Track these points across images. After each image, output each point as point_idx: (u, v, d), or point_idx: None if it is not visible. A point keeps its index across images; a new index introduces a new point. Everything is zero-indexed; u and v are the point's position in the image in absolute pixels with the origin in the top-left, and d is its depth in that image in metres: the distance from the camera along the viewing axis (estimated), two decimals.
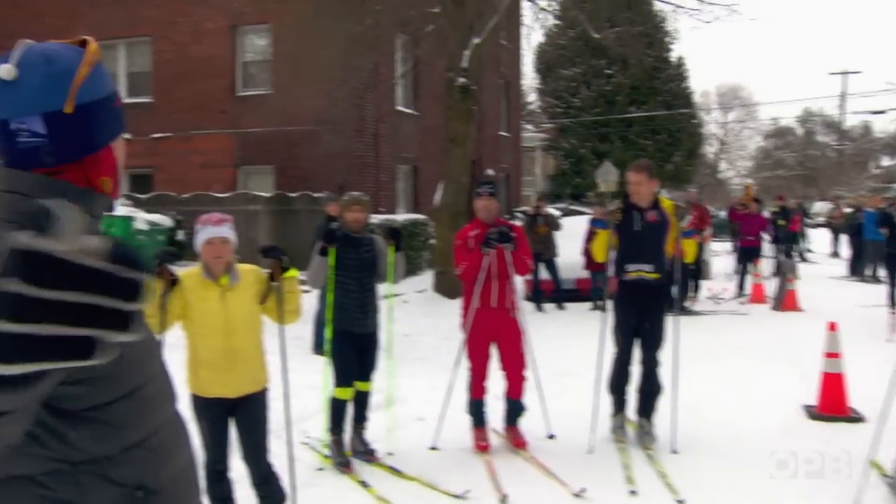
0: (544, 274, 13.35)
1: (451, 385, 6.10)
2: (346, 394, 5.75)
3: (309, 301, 7.17)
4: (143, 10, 19.03)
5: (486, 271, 5.78)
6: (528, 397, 6.10)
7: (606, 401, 6.18)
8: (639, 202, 5.96)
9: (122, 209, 15.29)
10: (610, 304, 6.24)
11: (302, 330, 8.98)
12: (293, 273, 4.31)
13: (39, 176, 1.31)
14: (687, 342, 6.73)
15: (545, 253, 13.06)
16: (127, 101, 19.24)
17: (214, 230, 4.09)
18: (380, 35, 15.27)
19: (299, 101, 15.41)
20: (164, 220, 15.44)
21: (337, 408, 5.76)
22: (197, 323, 4.14)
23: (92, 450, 1.29)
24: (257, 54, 18.93)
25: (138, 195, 17.18)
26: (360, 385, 5.84)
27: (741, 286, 14.68)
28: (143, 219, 15.02)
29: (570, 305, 13.50)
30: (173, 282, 4.12)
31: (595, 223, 11.80)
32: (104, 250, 0.79)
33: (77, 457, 1.28)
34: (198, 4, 18.57)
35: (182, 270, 4.26)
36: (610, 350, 6.17)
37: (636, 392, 6.14)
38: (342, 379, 5.72)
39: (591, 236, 12.50)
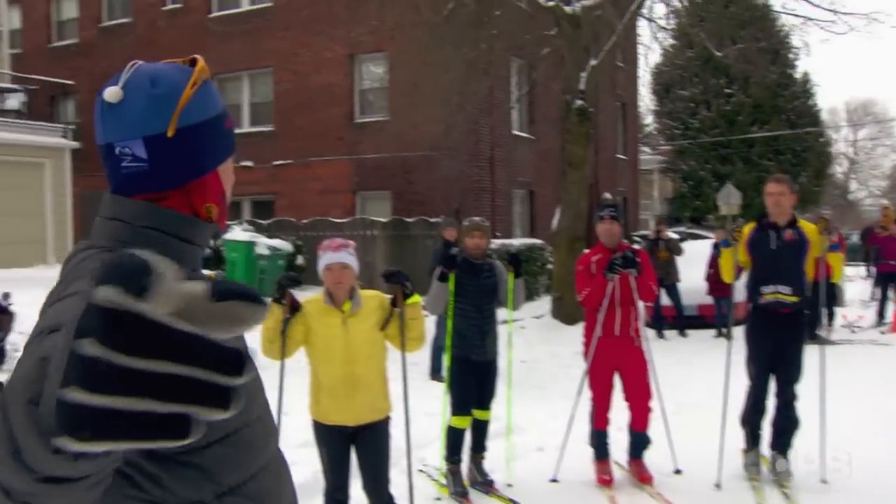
0: (665, 300, 12.93)
1: (572, 415, 5.90)
2: (464, 422, 5.64)
3: (426, 325, 7.14)
4: (266, 42, 19.72)
5: (609, 298, 5.57)
6: (653, 429, 5.83)
7: (735, 434, 5.83)
8: (777, 217, 5.59)
9: (243, 234, 15.77)
10: (739, 332, 5.90)
11: (419, 355, 8.94)
12: (416, 299, 4.23)
13: (142, 203, 1.26)
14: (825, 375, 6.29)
15: (667, 278, 12.65)
16: (249, 129, 20.02)
17: (334, 256, 4.05)
18: (495, 60, 15.27)
19: (415, 126, 15.56)
20: (284, 245, 15.84)
21: (454, 437, 5.66)
22: (319, 349, 4.12)
23: (185, 495, 1.21)
24: (374, 82, 19.28)
25: (260, 221, 17.70)
26: (478, 413, 5.72)
27: (881, 314, 13.78)
28: (264, 244, 15.44)
29: (692, 332, 13.01)
30: (296, 308, 4.12)
31: (720, 245, 11.33)
32: (205, 293, 0.65)
33: (171, 501, 1.20)
34: (317, 35, 19.09)
35: (306, 296, 4.28)
36: (737, 380, 5.83)
37: (771, 426, 5.76)
38: (460, 407, 5.62)
39: (714, 261, 12.05)
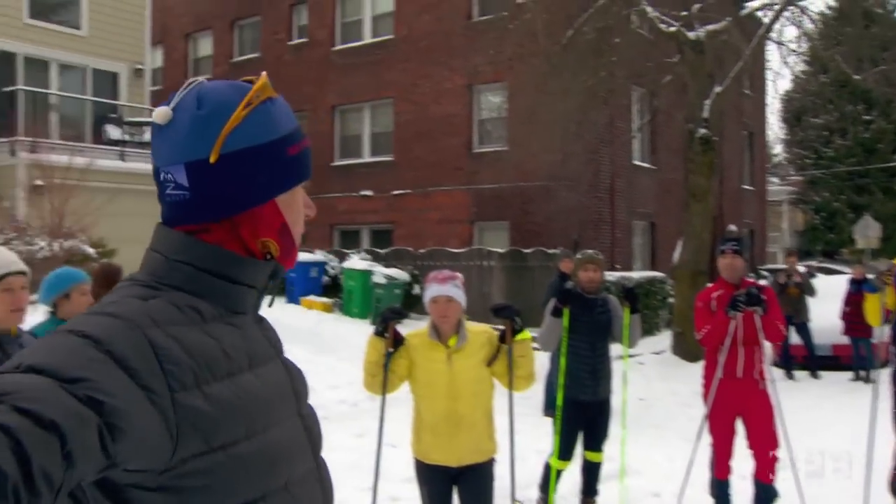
0: (795, 338, 12.19)
1: (691, 460, 5.54)
2: (563, 465, 5.44)
3: (540, 360, 6.94)
4: (387, 74, 20.07)
5: (731, 337, 5.21)
6: (781, 481, 5.40)
7: (882, 497, 5.32)
8: None
9: (361, 263, 15.92)
10: (884, 376, 5.41)
11: (533, 387, 8.71)
12: (526, 335, 4.03)
13: (179, 235, 1.15)
14: None
15: (796, 316, 11.94)
16: (369, 160, 20.35)
17: (439, 289, 3.92)
18: (615, 88, 14.98)
19: (534, 156, 15.41)
20: (401, 274, 15.91)
21: (548, 473, 5.50)
22: (422, 384, 4.01)
23: None
24: (493, 111, 19.28)
25: (378, 250, 17.86)
26: (590, 455, 5.47)
27: None
28: (381, 273, 15.53)
29: (825, 374, 12.19)
30: (399, 341, 4.03)
31: (858, 285, 10.61)
32: None
33: None
34: (437, 66, 19.28)
35: (410, 330, 4.17)
36: (884, 432, 5.33)
37: None
38: (562, 452, 5.42)
39: (850, 298, 11.29)
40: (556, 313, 5.36)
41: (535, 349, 4.28)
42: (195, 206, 1.13)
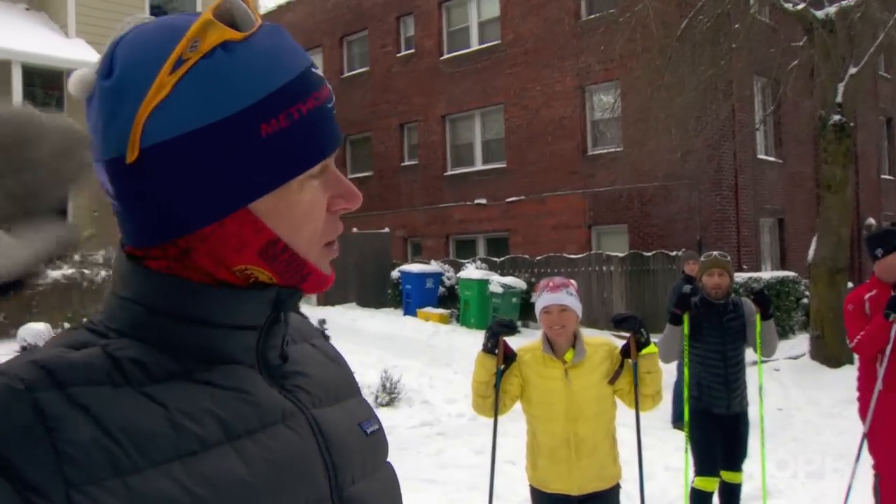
0: None
1: (850, 486, 4.91)
2: (711, 485, 4.92)
3: (667, 368, 6.48)
4: (496, 79, 19.80)
5: (892, 344, 4.58)
6: None
7: None
8: None
9: (477, 272, 15.71)
10: None
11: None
12: (652, 349, 3.63)
13: (125, 262, 0.79)
14: None
15: None
16: (482, 167, 20.15)
17: (550, 297, 3.58)
18: (735, 78, 14.19)
19: (651, 156, 14.76)
20: (517, 282, 15.59)
21: (700, 501, 4.94)
22: (536, 404, 3.67)
23: None
24: (606, 112, 18.68)
25: (494, 258, 17.63)
26: (727, 476, 4.97)
27: None
28: (497, 281, 15.28)
29: None
30: (510, 357, 3.70)
31: None
32: None
33: None
34: (546, 68, 18.87)
35: (522, 344, 3.85)
36: None
37: None
38: (705, 467, 4.91)
39: None
40: (675, 320, 4.90)
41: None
42: (125, 221, 0.78)
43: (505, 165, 19.84)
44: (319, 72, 0.80)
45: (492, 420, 3.80)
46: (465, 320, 15.43)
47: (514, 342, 3.83)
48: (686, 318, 4.91)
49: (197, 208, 0.74)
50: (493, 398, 3.65)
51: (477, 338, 12.83)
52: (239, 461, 0.73)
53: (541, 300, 3.63)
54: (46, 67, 14.66)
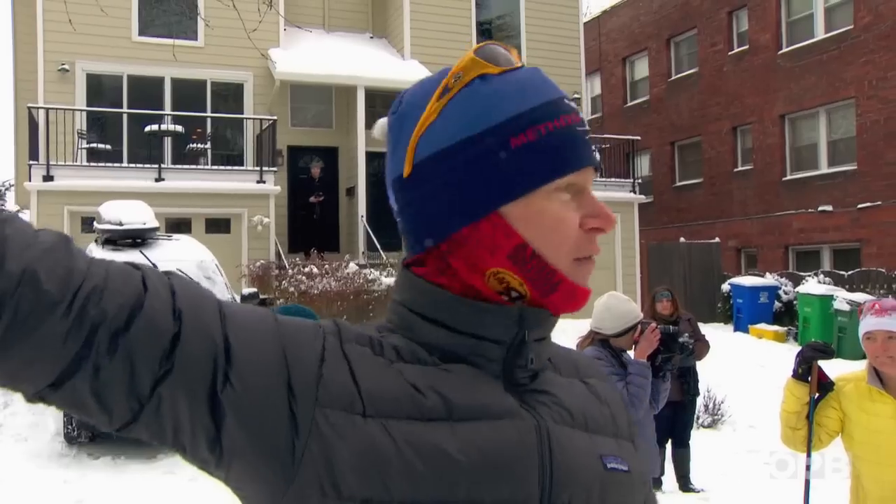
0: None
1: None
2: None
3: None
4: (845, 71, 17.67)
5: None
6: None
7: None
8: None
9: (819, 287, 14.24)
10: None
11: None
12: None
13: (401, 270, 0.94)
14: None
15: None
16: (827, 171, 18.19)
17: (876, 321, 3.03)
18: None
19: None
20: (868, 299, 13.69)
21: None
22: (859, 444, 3.07)
23: None
24: None
25: (840, 272, 15.79)
26: None
27: None
28: (843, 298, 13.72)
29: None
30: (826, 385, 3.19)
31: None
32: None
33: None
34: None
35: (843, 373, 3.32)
36: None
37: None
38: None
39: None
40: None
41: None
42: (403, 234, 0.93)
43: (856, 167, 17.63)
44: (573, 104, 0.90)
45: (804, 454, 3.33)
46: (804, 340, 13.93)
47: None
48: None
49: (453, 212, 0.86)
50: (804, 431, 3.22)
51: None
52: (451, 437, 0.80)
53: (864, 324, 3.10)
54: (385, 89, 15.78)
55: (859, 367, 3.19)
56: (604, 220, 0.89)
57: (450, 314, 0.87)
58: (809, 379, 3.15)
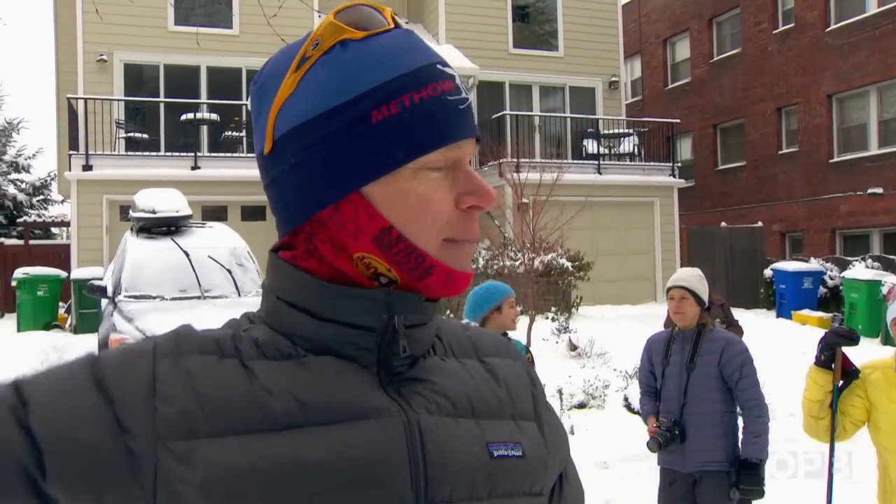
0: None
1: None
2: None
3: None
4: None
5: None
6: None
7: None
8: None
9: (867, 272, 13.83)
10: None
11: None
12: None
13: (270, 254, 0.87)
14: None
15: None
16: (878, 151, 17.65)
17: None
18: None
19: None
20: None
21: None
22: (886, 434, 2.94)
23: None
24: None
25: (890, 256, 15.32)
26: None
27: None
28: (892, 283, 13.17)
29: None
30: (850, 373, 3.04)
31: None
32: None
33: None
34: None
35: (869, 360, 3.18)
36: None
37: None
38: None
39: None
40: None
41: None
42: (274, 212, 0.86)
43: None
44: (451, 70, 0.82)
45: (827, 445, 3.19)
46: (851, 327, 13.52)
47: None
48: None
49: (314, 192, 0.80)
50: (828, 420, 3.08)
51: (867, 347, 11.15)
52: (308, 445, 0.75)
53: (892, 309, 3.02)
54: None
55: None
56: (481, 197, 0.82)
57: (313, 300, 0.82)
58: (833, 366, 3.00)
